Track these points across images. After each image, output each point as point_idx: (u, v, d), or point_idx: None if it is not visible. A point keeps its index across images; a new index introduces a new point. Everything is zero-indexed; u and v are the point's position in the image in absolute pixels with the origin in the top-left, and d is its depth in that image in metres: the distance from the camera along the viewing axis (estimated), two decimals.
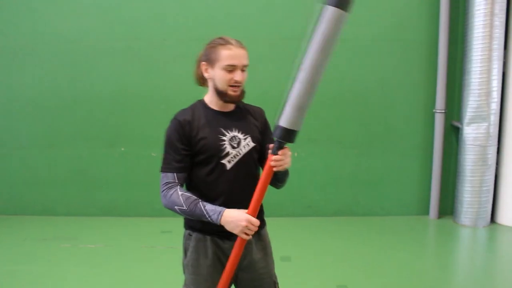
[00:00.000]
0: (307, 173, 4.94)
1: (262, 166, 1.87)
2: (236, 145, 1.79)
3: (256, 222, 1.68)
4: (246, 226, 1.66)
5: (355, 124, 4.91)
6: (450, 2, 4.67)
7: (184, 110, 1.82)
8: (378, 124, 4.95)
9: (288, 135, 1.62)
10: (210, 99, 1.83)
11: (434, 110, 4.86)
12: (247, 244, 1.83)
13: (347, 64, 4.81)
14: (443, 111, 4.80)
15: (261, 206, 1.89)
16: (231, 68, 1.72)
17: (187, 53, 4.92)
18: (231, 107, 1.85)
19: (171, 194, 1.72)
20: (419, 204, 5.06)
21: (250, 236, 1.70)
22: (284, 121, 1.61)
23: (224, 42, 1.74)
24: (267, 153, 1.71)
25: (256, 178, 1.80)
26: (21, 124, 4.96)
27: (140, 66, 4.84)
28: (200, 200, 1.72)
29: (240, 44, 1.75)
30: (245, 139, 1.81)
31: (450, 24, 4.72)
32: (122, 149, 4.93)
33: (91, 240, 4.26)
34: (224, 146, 1.77)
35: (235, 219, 1.67)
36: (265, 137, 1.91)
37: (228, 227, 1.68)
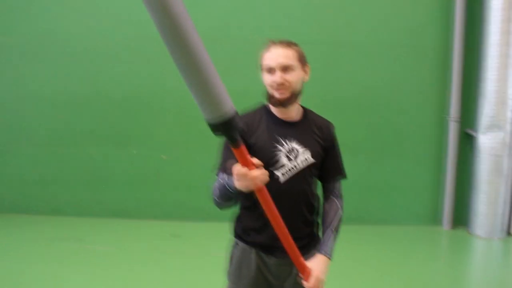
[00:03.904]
0: None
1: (323, 184, 1.83)
2: (293, 157, 1.67)
3: (244, 171, 1.36)
4: (238, 179, 1.39)
5: (365, 129, 4.84)
6: (466, 8, 4.60)
7: (244, 114, 1.72)
8: (389, 130, 4.87)
9: (222, 127, 1.25)
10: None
11: (447, 118, 4.78)
12: (288, 267, 1.73)
13: (359, 68, 4.76)
14: (457, 119, 4.73)
15: (313, 233, 1.82)
16: (269, 70, 1.63)
17: None
18: (294, 115, 1.71)
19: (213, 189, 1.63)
20: (431, 214, 4.97)
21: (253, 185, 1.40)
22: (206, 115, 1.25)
23: (267, 44, 1.67)
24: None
25: (311, 197, 1.72)
26: (33, 122, 4.96)
27: (153, 68, 4.81)
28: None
29: (282, 44, 1.64)
30: (303, 153, 1.68)
31: (465, 31, 4.65)
32: (134, 152, 4.91)
33: (99, 242, 4.24)
34: (278, 156, 1.65)
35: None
36: (329, 155, 1.78)
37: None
